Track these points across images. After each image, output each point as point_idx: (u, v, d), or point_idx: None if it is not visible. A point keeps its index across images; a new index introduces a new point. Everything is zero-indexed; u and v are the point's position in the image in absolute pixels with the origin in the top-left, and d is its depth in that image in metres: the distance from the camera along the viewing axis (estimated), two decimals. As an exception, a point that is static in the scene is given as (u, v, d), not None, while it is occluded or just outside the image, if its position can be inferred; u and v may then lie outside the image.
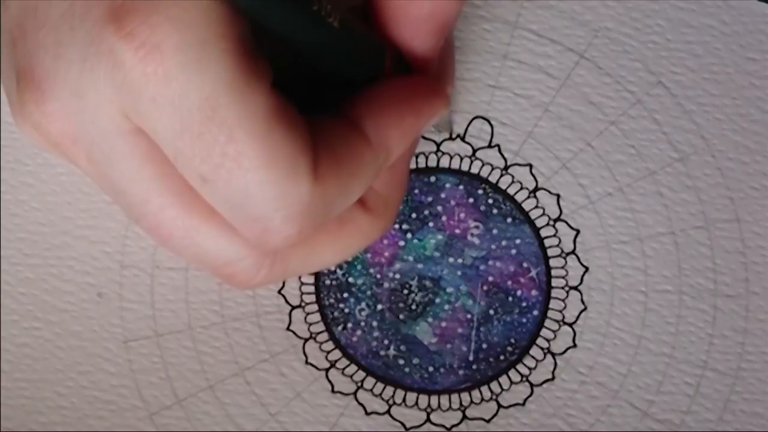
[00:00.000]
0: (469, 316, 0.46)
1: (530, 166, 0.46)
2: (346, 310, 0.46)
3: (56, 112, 0.33)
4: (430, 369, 0.46)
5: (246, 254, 0.35)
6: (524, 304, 0.46)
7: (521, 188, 0.46)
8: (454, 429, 0.46)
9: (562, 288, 0.46)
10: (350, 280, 0.46)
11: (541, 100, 0.46)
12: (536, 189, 0.46)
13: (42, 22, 0.33)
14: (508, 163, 0.46)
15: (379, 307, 0.46)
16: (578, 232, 0.46)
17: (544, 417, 0.46)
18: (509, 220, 0.46)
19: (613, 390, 0.45)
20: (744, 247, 0.46)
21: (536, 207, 0.46)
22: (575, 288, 0.46)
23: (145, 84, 0.30)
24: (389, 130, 0.35)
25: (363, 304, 0.46)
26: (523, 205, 0.46)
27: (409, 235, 0.46)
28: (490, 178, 0.46)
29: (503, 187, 0.46)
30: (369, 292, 0.46)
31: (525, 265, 0.46)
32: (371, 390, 0.46)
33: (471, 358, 0.46)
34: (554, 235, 0.46)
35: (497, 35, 0.46)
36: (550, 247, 0.46)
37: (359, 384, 0.46)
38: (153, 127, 0.31)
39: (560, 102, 0.46)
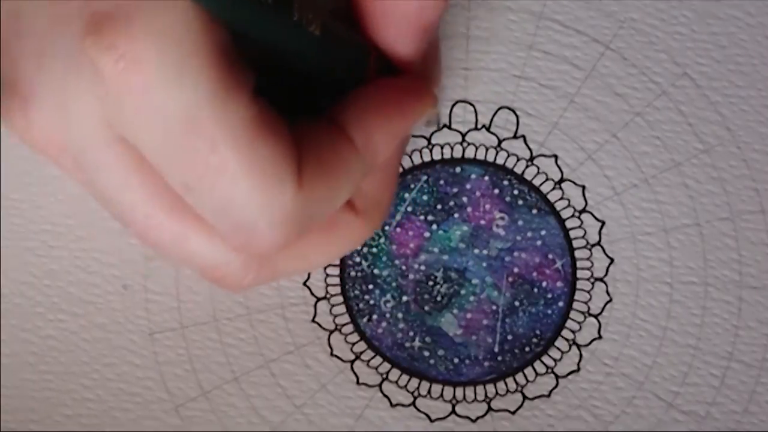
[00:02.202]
0: (494, 307, 0.49)
1: (555, 157, 0.49)
2: (372, 302, 0.50)
3: (41, 121, 0.35)
4: (456, 360, 0.49)
5: (233, 257, 0.38)
6: (549, 295, 0.49)
7: (546, 179, 0.49)
8: (479, 420, 0.49)
9: (588, 279, 0.49)
10: (375, 271, 0.50)
11: (567, 91, 0.49)
12: (561, 180, 0.49)
13: (25, 31, 0.34)
14: (534, 154, 0.49)
15: (405, 298, 0.49)
16: (603, 223, 0.49)
17: (569, 408, 0.49)
18: (534, 211, 0.49)
19: (639, 381, 0.49)
20: (769, 239, 0.49)
21: (561, 198, 0.49)
22: (600, 279, 0.49)
23: (126, 96, 0.32)
24: (375, 132, 0.37)
25: (388, 296, 0.49)
26: (549, 197, 0.49)
27: (434, 227, 0.49)
28: (515, 169, 0.49)
29: (528, 178, 0.49)
30: (394, 284, 0.49)
31: (550, 256, 0.49)
32: (396, 382, 0.49)
33: (496, 349, 0.49)
34: (579, 227, 0.49)
35: (523, 26, 0.50)
36: (575, 238, 0.49)
37: (384, 376, 0.49)
38: (136, 137, 0.33)
39: (586, 93, 0.49)
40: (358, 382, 0.49)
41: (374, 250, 0.49)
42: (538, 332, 0.49)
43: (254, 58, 0.34)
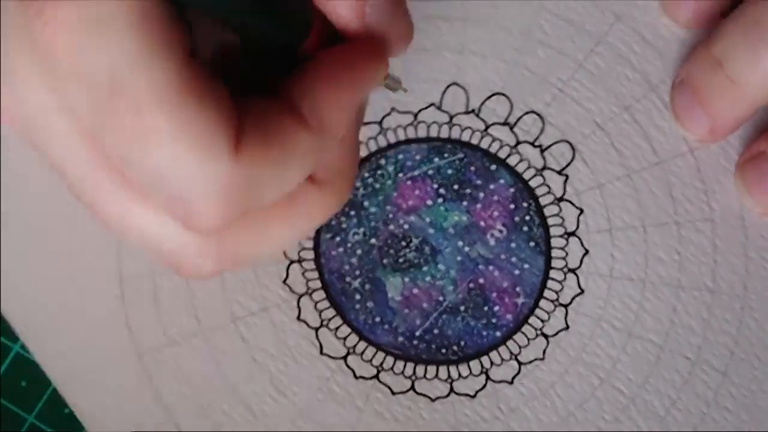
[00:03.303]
0: (441, 298, 0.49)
1: (581, 211, 0.50)
2: (344, 226, 0.50)
3: None
4: (377, 320, 0.50)
5: (187, 241, 0.37)
6: (494, 320, 0.49)
7: (561, 225, 0.50)
8: (356, 371, 0.49)
9: (536, 328, 0.49)
10: (365, 202, 0.50)
11: (631, 166, 0.50)
12: (572, 234, 0.50)
13: None
14: (564, 196, 0.50)
15: (373, 241, 0.50)
16: (582, 292, 0.49)
17: (447, 427, 0.49)
18: (532, 244, 0.50)
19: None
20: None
21: (562, 249, 0.50)
22: (545, 335, 0.49)
23: (55, 60, 0.32)
24: (326, 108, 0.36)
25: (361, 230, 0.50)
26: (552, 242, 0.50)
27: (440, 200, 0.50)
28: (540, 199, 0.50)
29: (546, 214, 0.50)
30: (373, 224, 0.50)
31: (518, 289, 0.50)
32: (312, 296, 0.50)
33: (418, 333, 0.49)
34: (560, 282, 0.49)
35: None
36: (549, 289, 0.49)
37: (308, 291, 0.50)
38: (69, 103, 0.34)
39: (646, 177, 0.50)
40: (284, 281, 0.50)
41: (377, 185, 0.50)
42: (462, 344, 0.49)
43: (200, 34, 0.34)
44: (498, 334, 0.49)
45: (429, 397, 0.49)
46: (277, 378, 0.49)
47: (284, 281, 0.50)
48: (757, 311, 0.49)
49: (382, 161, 0.51)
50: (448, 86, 0.51)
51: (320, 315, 0.50)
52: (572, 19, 0.51)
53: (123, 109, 0.32)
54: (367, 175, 0.50)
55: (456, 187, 0.50)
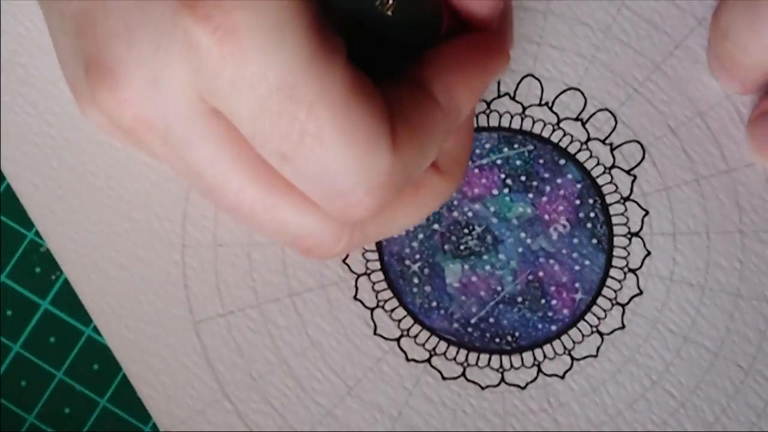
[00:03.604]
0: (499, 288, 0.50)
1: (647, 212, 0.50)
2: (407, 209, 0.51)
3: (131, 98, 0.36)
4: (433, 304, 0.50)
5: (326, 226, 0.39)
6: (551, 314, 0.49)
7: (625, 224, 0.50)
8: (409, 356, 0.50)
9: (591, 326, 0.49)
10: (430, 187, 0.51)
11: (700, 173, 0.50)
12: (636, 234, 0.50)
13: (112, 9, 0.36)
14: (630, 196, 0.50)
15: (435, 227, 0.50)
16: (641, 293, 0.49)
17: (495, 417, 0.49)
18: (594, 241, 0.50)
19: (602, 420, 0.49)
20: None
21: (624, 249, 0.50)
22: (600, 333, 0.49)
23: (221, 66, 0.33)
24: (457, 89, 0.39)
25: (424, 215, 0.50)
26: (615, 240, 0.50)
27: (506, 190, 0.50)
28: (606, 197, 0.50)
29: (612, 213, 0.50)
30: (436, 210, 0.50)
31: (577, 285, 0.50)
32: (370, 277, 0.50)
33: (473, 321, 0.50)
34: (620, 282, 0.50)
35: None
36: (608, 288, 0.50)
37: (367, 271, 0.50)
38: (231, 108, 0.35)
39: (714, 184, 0.50)
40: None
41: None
42: (516, 334, 0.49)
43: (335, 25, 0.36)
44: (553, 328, 0.49)
45: (479, 385, 0.49)
46: (329, 355, 0.49)
47: (344, 260, 0.50)
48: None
49: (451, 147, 0.51)
50: (523, 77, 0.51)
51: (377, 296, 0.50)
52: (653, 19, 0.51)
53: (296, 110, 0.33)
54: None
55: (523, 178, 0.50)
